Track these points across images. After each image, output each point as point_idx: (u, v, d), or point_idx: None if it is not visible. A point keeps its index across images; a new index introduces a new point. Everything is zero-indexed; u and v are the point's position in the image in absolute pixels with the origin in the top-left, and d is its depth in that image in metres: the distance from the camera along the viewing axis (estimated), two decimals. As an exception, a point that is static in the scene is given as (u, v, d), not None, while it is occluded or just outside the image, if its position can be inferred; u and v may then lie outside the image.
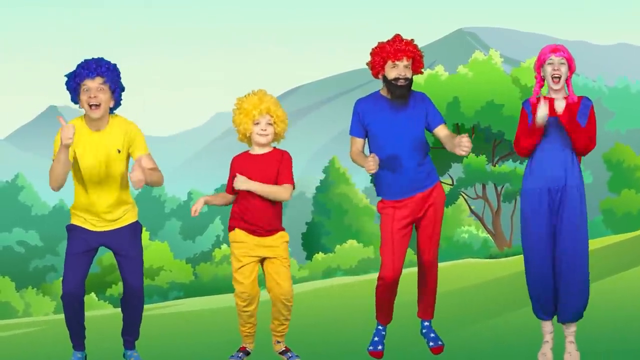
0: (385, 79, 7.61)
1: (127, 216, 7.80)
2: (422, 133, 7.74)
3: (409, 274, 8.21)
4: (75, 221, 7.75)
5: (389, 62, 7.59)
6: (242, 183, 7.65)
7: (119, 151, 7.48)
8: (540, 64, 7.51)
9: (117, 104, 7.48)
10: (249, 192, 7.71)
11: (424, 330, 8.12)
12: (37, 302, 54.56)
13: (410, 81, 7.60)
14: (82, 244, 7.73)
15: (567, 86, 7.50)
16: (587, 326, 8.06)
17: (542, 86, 7.58)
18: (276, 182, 7.73)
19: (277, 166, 7.73)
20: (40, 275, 71.70)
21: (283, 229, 7.88)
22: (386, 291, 7.90)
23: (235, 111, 7.75)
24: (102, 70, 7.30)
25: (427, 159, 7.81)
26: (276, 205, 7.80)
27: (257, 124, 7.67)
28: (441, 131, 7.66)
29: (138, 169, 7.17)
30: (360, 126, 7.73)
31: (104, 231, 7.73)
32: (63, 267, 7.73)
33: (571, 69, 7.50)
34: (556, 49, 7.49)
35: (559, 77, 7.43)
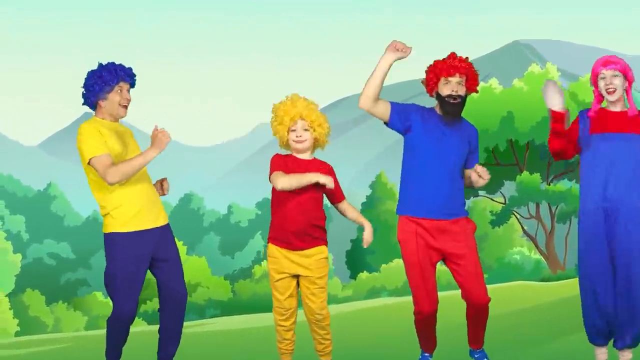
0: (438, 95, 7.65)
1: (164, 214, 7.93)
2: (462, 160, 7.74)
3: (452, 296, 8.17)
4: (121, 228, 7.71)
5: (442, 79, 7.62)
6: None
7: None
8: (594, 79, 7.46)
9: None
10: (286, 202, 7.66)
11: (476, 356, 8.08)
12: (67, 317, 54.84)
13: (462, 99, 7.63)
14: (133, 256, 7.68)
15: (627, 98, 7.40)
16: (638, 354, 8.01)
17: (600, 101, 7.50)
18: (317, 191, 7.62)
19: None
20: (72, 289, 72.02)
21: (324, 243, 7.79)
22: (425, 324, 7.92)
23: (272, 119, 7.69)
24: (134, 78, 7.75)
25: (461, 190, 7.79)
26: (315, 217, 7.70)
27: (293, 130, 7.61)
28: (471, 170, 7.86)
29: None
30: (404, 112, 7.73)
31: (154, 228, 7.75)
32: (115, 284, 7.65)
33: (628, 79, 7.40)
34: (607, 62, 7.37)
35: (614, 90, 7.36)
